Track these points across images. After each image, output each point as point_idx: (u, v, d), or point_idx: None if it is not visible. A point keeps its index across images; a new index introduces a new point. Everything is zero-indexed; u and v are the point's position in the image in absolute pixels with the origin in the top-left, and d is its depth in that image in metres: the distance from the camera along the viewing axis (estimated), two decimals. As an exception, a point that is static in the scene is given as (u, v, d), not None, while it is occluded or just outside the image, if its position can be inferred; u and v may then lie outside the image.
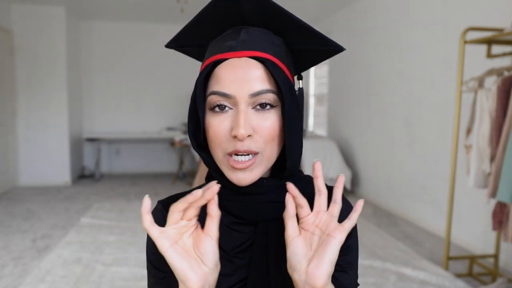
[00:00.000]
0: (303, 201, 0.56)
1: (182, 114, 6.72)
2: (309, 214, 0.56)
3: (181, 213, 0.54)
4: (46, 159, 5.64)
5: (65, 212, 4.25)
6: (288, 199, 0.54)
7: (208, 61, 0.60)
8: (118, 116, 6.56)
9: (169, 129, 6.47)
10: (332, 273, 0.53)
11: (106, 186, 5.63)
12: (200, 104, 0.58)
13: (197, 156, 5.75)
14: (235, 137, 0.56)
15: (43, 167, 5.64)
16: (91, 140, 6.20)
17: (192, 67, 6.58)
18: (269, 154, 0.59)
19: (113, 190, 5.37)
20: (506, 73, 2.42)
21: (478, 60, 2.90)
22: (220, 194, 0.63)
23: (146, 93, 6.59)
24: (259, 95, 0.56)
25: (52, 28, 5.49)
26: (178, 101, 6.68)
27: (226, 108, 0.57)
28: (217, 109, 0.58)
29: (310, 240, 0.55)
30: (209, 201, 0.53)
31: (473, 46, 2.92)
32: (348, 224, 0.55)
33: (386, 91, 4.49)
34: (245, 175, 0.58)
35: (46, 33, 5.49)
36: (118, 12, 5.82)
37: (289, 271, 0.54)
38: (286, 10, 0.59)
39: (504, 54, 2.51)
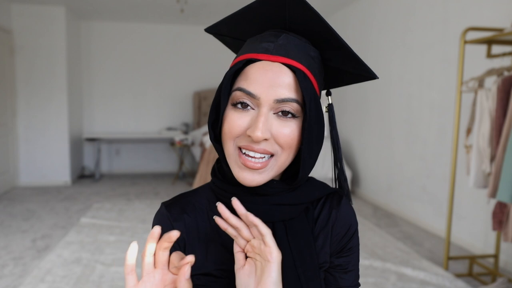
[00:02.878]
0: (239, 223, 0.56)
1: (182, 114, 6.72)
2: (249, 239, 0.56)
3: (152, 258, 0.53)
4: (46, 159, 5.64)
5: (65, 212, 4.25)
6: (234, 232, 0.56)
7: (242, 57, 0.59)
8: (118, 116, 6.56)
9: (169, 129, 6.47)
10: None
11: (106, 186, 5.63)
12: (224, 97, 0.58)
13: (197, 156, 5.75)
14: (249, 136, 0.56)
15: (43, 167, 5.64)
16: (91, 140, 6.20)
17: (192, 67, 6.58)
18: (283, 160, 0.59)
19: (113, 190, 5.37)
20: (506, 73, 2.42)
21: (478, 60, 2.90)
22: (228, 191, 0.63)
23: (146, 93, 6.59)
24: (284, 102, 0.56)
25: (52, 28, 5.49)
26: (178, 101, 6.68)
27: (248, 107, 0.57)
28: (239, 106, 0.57)
29: (255, 266, 0.56)
30: (172, 239, 0.51)
31: (473, 46, 2.93)
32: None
33: (386, 91, 4.49)
34: (253, 176, 0.58)
35: (46, 33, 5.49)
36: (118, 12, 5.82)
37: None
38: (329, 25, 0.58)
39: (504, 54, 2.51)
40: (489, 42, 2.53)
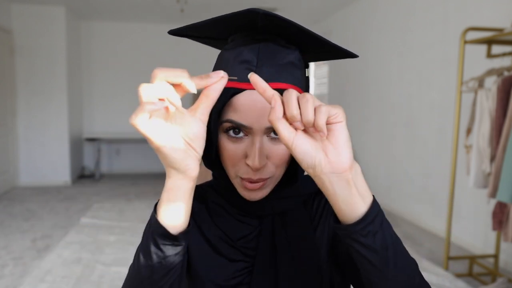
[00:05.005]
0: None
1: (182, 114, 6.72)
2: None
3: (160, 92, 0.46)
4: (46, 159, 5.64)
5: (65, 212, 4.25)
6: (276, 101, 0.46)
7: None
8: (118, 116, 6.56)
9: (169, 129, 6.47)
10: (351, 153, 0.47)
11: (106, 186, 5.63)
12: (214, 129, 0.58)
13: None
14: (247, 165, 0.57)
15: (43, 167, 5.64)
16: (91, 140, 6.20)
17: (193, 67, 6.58)
18: (278, 175, 0.60)
19: (113, 190, 5.37)
20: (506, 73, 2.42)
21: (478, 60, 2.90)
22: (226, 189, 0.65)
23: (146, 93, 6.59)
24: None
25: (52, 28, 5.49)
26: (178, 101, 6.68)
27: (241, 134, 0.57)
28: (231, 132, 0.57)
29: (311, 134, 0.48)
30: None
31: (473, 46, 2.92)
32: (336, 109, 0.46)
33: (386, 91, 4.49)
34: (256, 193, 0.60)
35: (46, 33, 5.49)
36: (118, 12, 5.82)
37: (309, 171, 0.47)
38: (301, 26, 0.55)
39: (504, 54, 2.51)
40: (489, 42, 2.53)
